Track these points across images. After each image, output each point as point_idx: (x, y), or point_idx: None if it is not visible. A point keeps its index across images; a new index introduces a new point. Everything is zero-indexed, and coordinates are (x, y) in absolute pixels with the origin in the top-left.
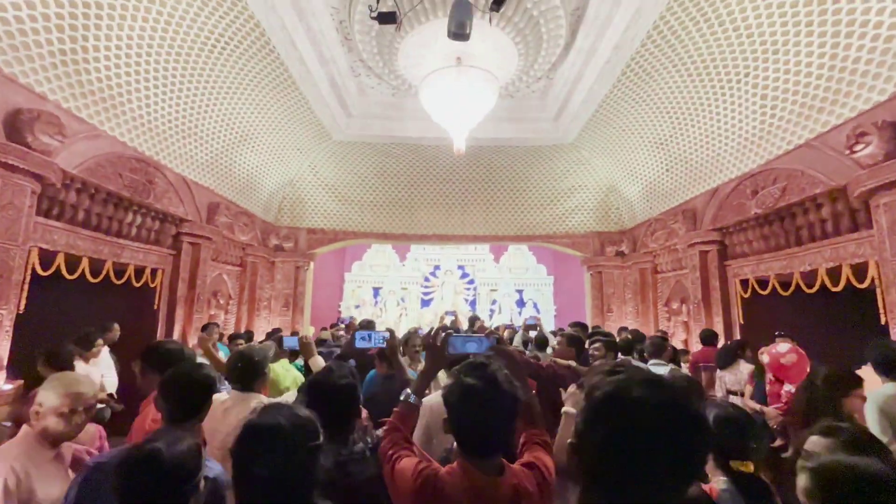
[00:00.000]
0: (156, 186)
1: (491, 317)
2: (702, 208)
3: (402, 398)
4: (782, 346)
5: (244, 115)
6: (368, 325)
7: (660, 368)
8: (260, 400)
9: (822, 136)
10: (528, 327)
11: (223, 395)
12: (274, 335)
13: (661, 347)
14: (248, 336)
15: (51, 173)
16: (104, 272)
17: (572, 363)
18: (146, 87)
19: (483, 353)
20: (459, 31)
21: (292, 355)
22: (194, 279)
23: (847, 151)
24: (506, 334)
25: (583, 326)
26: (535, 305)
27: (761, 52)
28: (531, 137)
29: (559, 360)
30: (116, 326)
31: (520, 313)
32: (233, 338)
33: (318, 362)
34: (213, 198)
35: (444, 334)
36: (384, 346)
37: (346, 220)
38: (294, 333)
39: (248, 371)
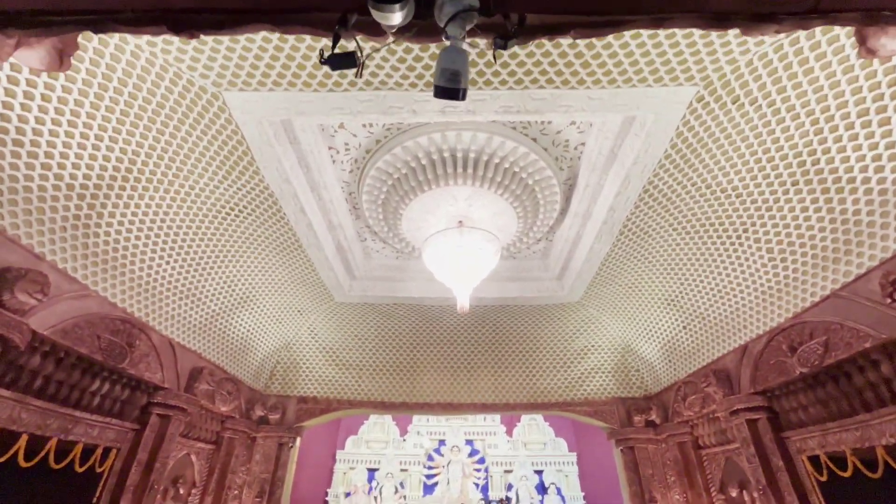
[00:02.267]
0: (135, 350)
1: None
2: (735, 368)
3: None
4: None
5: (247, 277)
6: None
7: None
8: None
9: (849, 287)
10: None
11: None
12: None
13: None
14: None
15: (16, 335)
16: (43, 453)
17: None
18: (152, 251)
19: None
20: (452, 85)
21: None
22: (153, 461)
23: (887, 300)
24: None
25: None
26: (558, 491)
27: (755, 211)
28: (536, 297)
29: None
30: None
31: (541, 501)
32: None
33: None
34: (199, 362)
35: None
36: None
37: (342, 387)
38: None
39: None
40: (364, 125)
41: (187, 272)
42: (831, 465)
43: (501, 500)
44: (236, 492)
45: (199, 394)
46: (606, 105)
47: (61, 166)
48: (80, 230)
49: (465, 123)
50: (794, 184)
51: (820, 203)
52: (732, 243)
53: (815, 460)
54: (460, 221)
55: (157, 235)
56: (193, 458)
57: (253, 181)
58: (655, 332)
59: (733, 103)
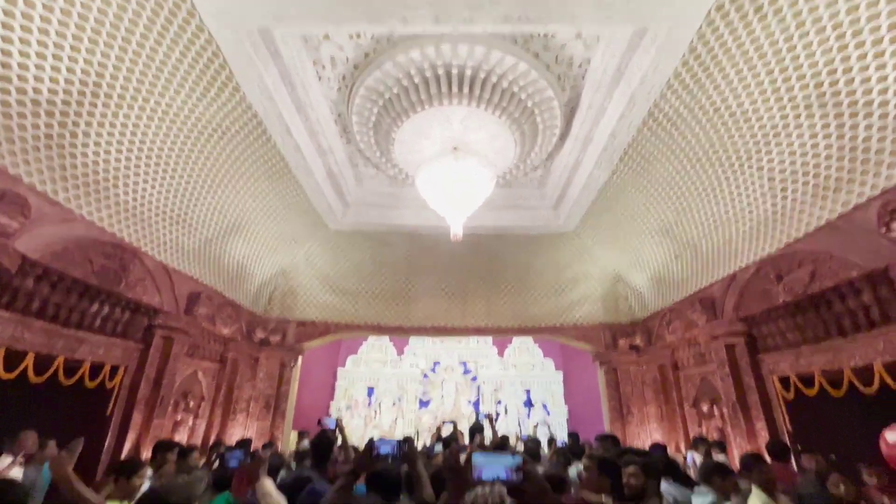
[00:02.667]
0: (129, 274)
1: (496, 419)
2: (720, 296)
3: None
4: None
5: (238, 204)
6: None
7: (700, 500)
8: None
9: (846, 216)
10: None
11: None
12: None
13: (715, 471)
14: (216, 446)
15: (3, 257)
16: (52, 370)
17: (606, 499)
18: (136, 174)
19: (511, 479)
20: None
21: (216, 487)
22: (161, 378)
23: (883, 230)
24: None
25: (613, 440)
26: (544, 406)
27: (762, 136)
28: (531, 226)
29: (590, 497)
30: (52, 444)
31: (528, 415)
32: (182, 454)
33: (264, 487)
34: (196, 287)
35: (459, 452)
36: (396, 454)
37: (340, 311)
38: (268, 445)
39: None
40: (351, 36)
41: (175, 197)
42: (799, 385)
43: (490, 414)
44: (244, 405)
45: (199, 317)
46: (617, 14)
47: (22, 79)
48: (55, 150)
49: (461, 36)
50: (808, 107)
51: (831, 129)
52: (734, 171)
53: (784, 381)
54: (455, 147)
55: (139, 157)
56: (200, 375)
57: (234, 99)
58: (647, 261)
59: (756, 13)
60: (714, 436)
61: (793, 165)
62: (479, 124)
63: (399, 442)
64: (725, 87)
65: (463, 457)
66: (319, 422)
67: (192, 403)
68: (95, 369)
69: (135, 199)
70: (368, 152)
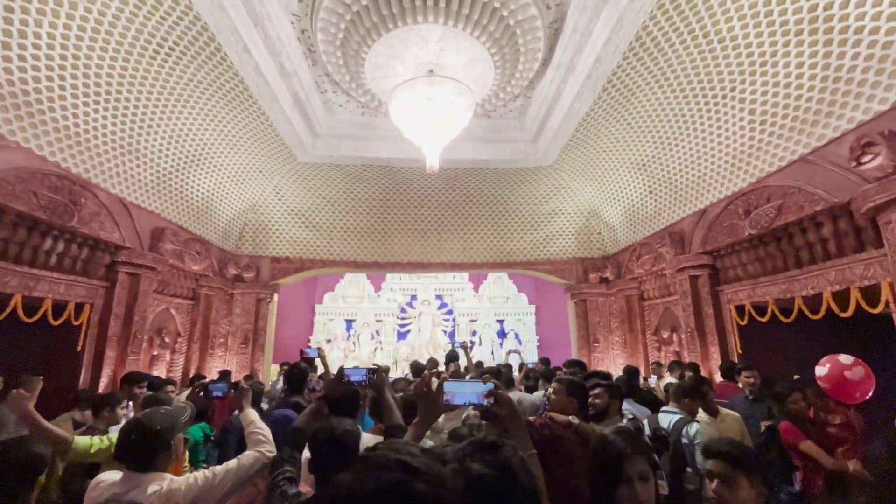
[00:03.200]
0: (82, 208)
1: (471, 348)
2: (690, 231)
3: None
4: (846, 358)
5: (197, 133)
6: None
7: (670, 417)
8: (164, 482)
9: (819, 151)
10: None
11: (110, 475)
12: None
13: (692, 391)
14: (196, 378)
15: None
16: (10, 308)
17: (574, 420)
18: (73, 95)
19: (482, 404)
20: None
21: (197, 418)
22: (131, 315)
23: (853, 164)
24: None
25: (580, 366)
26: (516, 336)
27: (748, 66)
28: (509, 159)
29: (557, 417)
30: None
31: (501, 344)
32: (153, 386)
33: (248, 416)
34: (159, 223)
35: (434, 378)
36: (366, 382)
37: (314, 247)
38: (249, 377)
39: (144, 446)
40: None
41: (125, 124)
42: (753, 313)
43: (464, 343)
44: (221, 339)
45: (165, 253)
46: None
47: None
48: None
49: None
50: (798, 33)
51: (818, 57)
52: (716, 103)
53: (740, 309)
54: (431, 70)
55: (75, 77)
56: (173, 311)
57: (178, 8)
58: (622, 196)
59: None
60: (670, 359)
61: (774, 97)
62: (456, 46)
63: (369, 370)
64: (718, 8)
65: (435, 383)
66: (302, 352)
67: (167, 339)
68: (58, 308)
69: (77, 126)
70: (337, 76)
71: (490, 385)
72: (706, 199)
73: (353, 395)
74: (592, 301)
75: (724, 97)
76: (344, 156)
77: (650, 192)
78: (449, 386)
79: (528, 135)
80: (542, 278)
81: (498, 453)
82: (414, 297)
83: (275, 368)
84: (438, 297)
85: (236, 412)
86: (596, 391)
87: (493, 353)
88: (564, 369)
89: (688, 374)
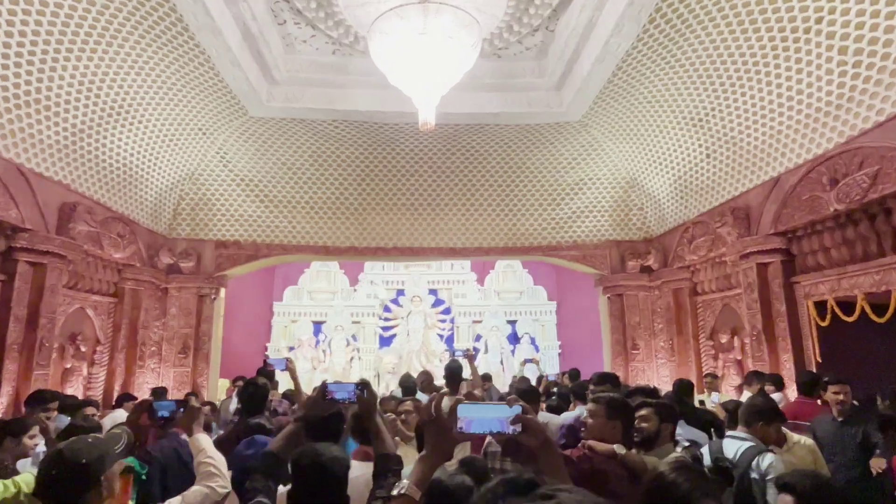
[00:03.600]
0: None
1: (475, 357)
2: (758, 206)
3: (395, 491)
4: None
5: (116, 79)
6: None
7: (737, 445)
8: None
9: None
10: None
11: None
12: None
13: (769, 413)
14: (125, 399)
15: None
16: None
17: (620, 449)
18: None
19: (506, 432)
20: None
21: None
22: (36, 317)
23: None
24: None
25: (612, 381)
26: (532, 341)
27: None
28: (525, 113)
29: (598, 446)
30: None
31: (513, 352)
32: (67, 408)
33: (200, 443)
34: (69, 196)
35: (446, 400)
36: (352, 399)
37: (272, 228)
38: (191, 395)
39: (69, 483)
40: None
41: (17, 66)
42: (837, 311)
43: (468, 351)
44: (154, 348)
45: (78, 236)
46: None
47: None
48: None
49: None
50: None
51: None
52: (796, 40)
53: (820, 306)
54: None
55: None
56: (91, 312)
57: None
58: (671, 161)
59: None
60: (729, 371)
61: (873, 32)
62: None
63: (356, 385)
64: None
65: (446, 405)
66: (265, 361)
67: (83, 348)
68: None
69: None
70: (301, 2)
71: (517, 408)
72: (780, 164)
73: (337, 416)
74: (631, 296)
75: (806, 31)
76: (309, 108)
77: (708, 156)
78: (465, 410)
79: (550, 81)
80: (567, 267)
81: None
82: (401, 293)
83: (223, 384)
84: (432, 292)
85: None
86: (642, 412)
87: (503, 362)
88: (592, 386)
89: (768, 388)
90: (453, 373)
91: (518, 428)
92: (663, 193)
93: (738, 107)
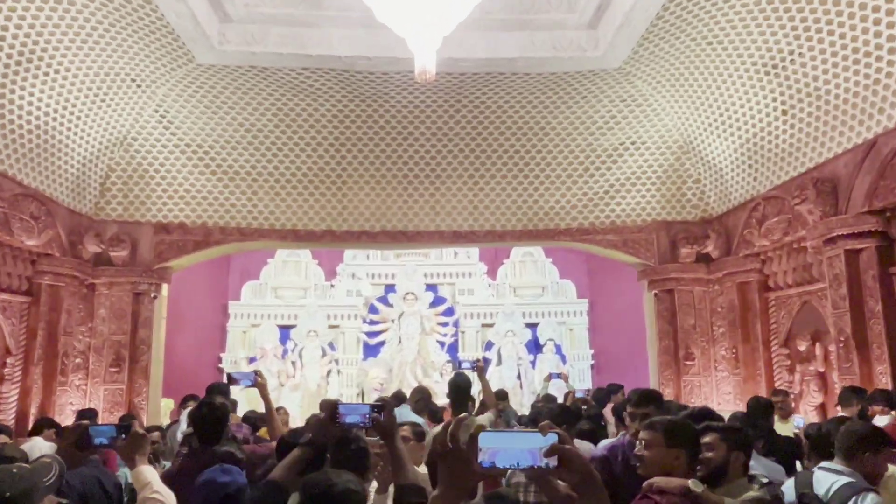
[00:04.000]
0: None
1: (486, 370)
2: (848, 176)
3: None
4: None
5: (23, 18)
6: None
7: (831, 480)
8: None
9: None
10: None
11: None
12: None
13: (867, 442)
14: (45, 424)
15: None
16: None
17: (696, 486)
18: None
19: (539, 466)
20: None
21: None
22: None
23: None
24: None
25: (656, 399)
26: (557, 350)
27: None
28: (550, 59)
29: (666, 483)
30: None
31: (533, 363)
32: None
33: (145, 477)
34: None
35: (463, 427)
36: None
37: (227, 208)
38: (127, 417)
39: None
40: None
41: None
42: None
43: (477, 362)
44: (79, 360)
45: None
46: None
47: None
48: None
49: None
50: None
51: None
52: None
53: None
54: None
55: None
56: None
57: None
58: (736, 120)
59: None
60: (809, 387)
61: None
62: None
63: (372, 407)
64: None
65: (465, 433)
66: (229, 377)
67: None
68: None
69: None
70: None
71: (552, 437)
72: (877, 124)
73: (359, 451)
74: (684, 292)
75: None
76: (273, 53)
77: (783, 113)
78: (488, 439)
79: (583, 17)
80: (602, 256)
81: None
82: (391, 289)
83: (167, 405)
84: (431, 288)
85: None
86: (706, 438)
87: (520, 376)
88: (631, 408)
89: (875, 408)
90: (460, 390)
91: (554, 462)
92: (726, 161)
93: (825, 50)
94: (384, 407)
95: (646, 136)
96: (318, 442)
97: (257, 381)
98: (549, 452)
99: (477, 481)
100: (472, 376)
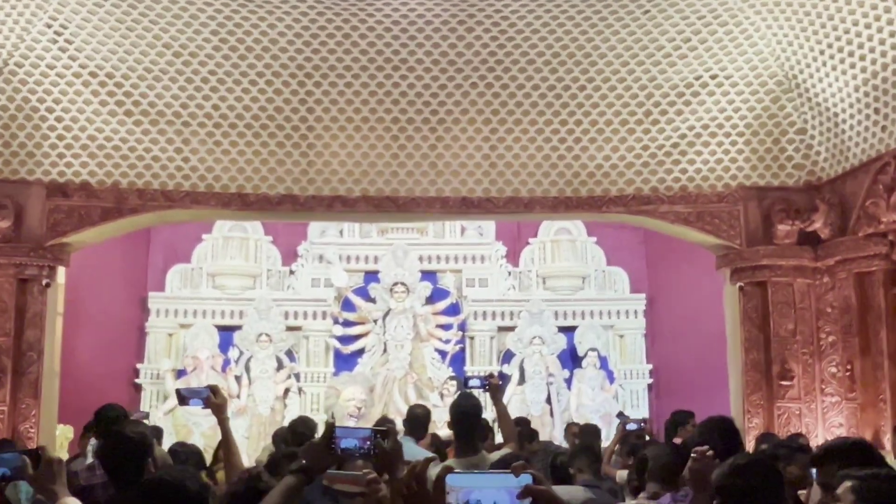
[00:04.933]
0: None
1: (503, 387)
2: None
3: None
4: None
5: None
6: None
7: None
8: None
9: None
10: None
11: None
12: None
13: None
14: None
15: None
16: None
17: None
18: None
19: None
20: None
21: None
22: None
23: None
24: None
25: (728, 436)
26: (602, 364)
27: None
28: None
29: None
30: None
31: (568, 381)
32: None
33: None
34: None
35: (428, 468)
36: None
37: (147, 163)
38: (5, 442)
39: None
40: None
41: None
42: None
43: (490, 377)
44: None
45: None
46: None
47: None
48: None
49: None
50: None
51: None
52: None
53: None
54: None
55: None
56: None
57: None
58: (860, 46)
59: None
60: None
61: None
62: None
63: (373, 432)
64: None
65: (433, 472)
66: (181, 396)
67: None
68: None
69: None
70: None
71: (525, 478)
72: None
73: None
74: (781, 285)
75: None
76: None
77: None
78: (456, 480)
79: None
80: (667, 234)
81: None
82: (373, 278)
83: (64, 433)
84: (428, 276)
85: None
86: (847, 485)
87: (551, 400)
88: (695, 457)
89: None
90: (467, 418)
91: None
92: (843, 105)
93: None
94: (388, 432)
95: (732, 69)
96: (313, 469)
97: (210, 401)
98: (522, 495)
99: None
100: (484, 399)
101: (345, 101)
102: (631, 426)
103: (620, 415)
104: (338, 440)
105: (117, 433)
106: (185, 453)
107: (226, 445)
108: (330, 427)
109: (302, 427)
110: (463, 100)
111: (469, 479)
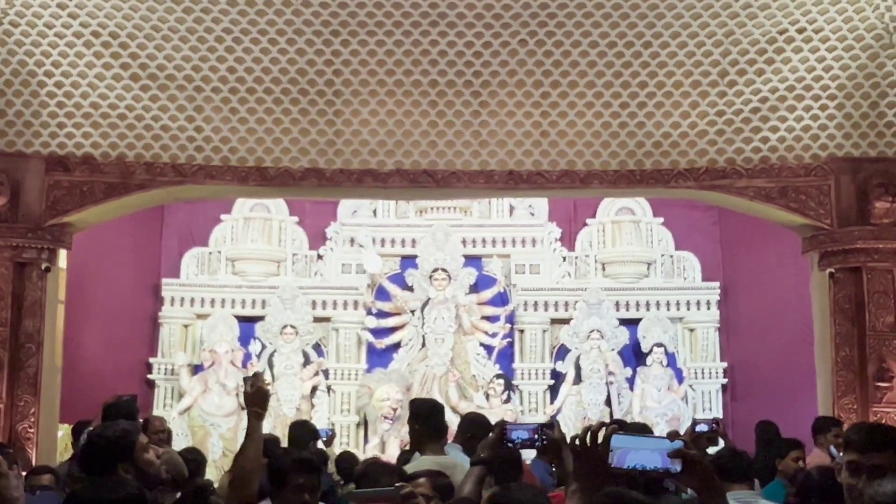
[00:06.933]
0: None
1: (552, 395)
2: None
3: None
4: None
5: None
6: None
7: None
8: None
9: None
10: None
11: None
12: None
13: None
14: None
15: None
16: None
17: None
18: None
19: (664, 469)
20: None
21: None
22: None
23: None
24: None
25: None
26: (671, 361)
27: None
28: None
29: None
30: None
31: (631, 380)
32: None
33: None
34: None
35: (602, 430)
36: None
37: (158, 133)
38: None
39: None
40: None
41: None
42: None
43: (548, 428)
44: None
45: None
46: None
47: None
48: None
49: None
50: None
51: None
52: None
53: None
54: None
55: None
56: None
57: None
58: None
59: None
60: None
61: None
62: None
63: (540, 426)
64: None
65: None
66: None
67: None
68: None
69: None
70: None
71: (678, 443)
72: None
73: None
74: (878, 272)
75: None
76: None
77: None
78: (619, 441)
79: None
80: (745, 213)
81: None
82: (410, 263)
83: (68, 432)
84: (472, 262)
85: None
86: None
87: (611, 400)
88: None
89: None
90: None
91: (678, 465)
92: None
93: None
94: (553, 424)
95: (822, 21)
96: (491, 461)
97: (258, 388)
98: (674, 455)
99: (608, 480)
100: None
101: (376, 61)
102: (701, 427)
103: (697, 427)
104: (509, 432)
105: (92, 434)
106: (194, 460)
107: (245, 442)
108: (501, 424)
109: (272, 445)
110: (510, 59)
111: (628, 440)
